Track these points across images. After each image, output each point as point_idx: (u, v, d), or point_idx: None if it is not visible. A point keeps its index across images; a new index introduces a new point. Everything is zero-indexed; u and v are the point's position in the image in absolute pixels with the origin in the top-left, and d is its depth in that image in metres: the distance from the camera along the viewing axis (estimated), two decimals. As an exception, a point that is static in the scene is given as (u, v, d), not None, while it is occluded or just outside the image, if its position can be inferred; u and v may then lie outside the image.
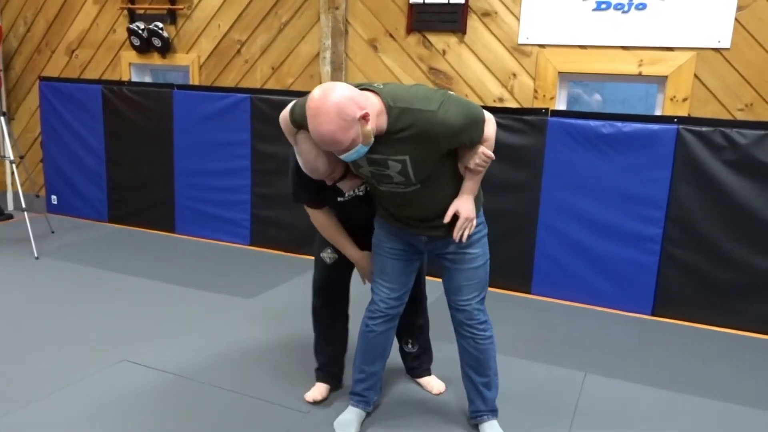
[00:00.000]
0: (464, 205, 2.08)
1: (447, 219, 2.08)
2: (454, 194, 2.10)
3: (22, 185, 5.55)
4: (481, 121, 2.04)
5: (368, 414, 2.39)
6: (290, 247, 4.42)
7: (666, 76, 3.54)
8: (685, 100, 3.52)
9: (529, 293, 3.83)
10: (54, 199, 5.40)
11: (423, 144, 1.93)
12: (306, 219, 2.41)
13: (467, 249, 2.18)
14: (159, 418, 2.31)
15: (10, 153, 4.19)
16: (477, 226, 2.17)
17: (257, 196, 4.52)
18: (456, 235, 2.08)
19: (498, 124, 3.68)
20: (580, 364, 2.90)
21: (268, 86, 4.53)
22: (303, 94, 2.08)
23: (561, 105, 3.85)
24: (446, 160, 2.04)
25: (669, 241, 3.48)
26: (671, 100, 3.54)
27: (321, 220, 2.32)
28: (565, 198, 3.67)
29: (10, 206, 5.60)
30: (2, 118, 4.20)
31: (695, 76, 3.48)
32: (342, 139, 1.83)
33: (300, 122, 2.05)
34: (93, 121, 5.02)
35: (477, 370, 2.27)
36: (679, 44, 3.48)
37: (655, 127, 3.43)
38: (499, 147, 3.71)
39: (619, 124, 3.49)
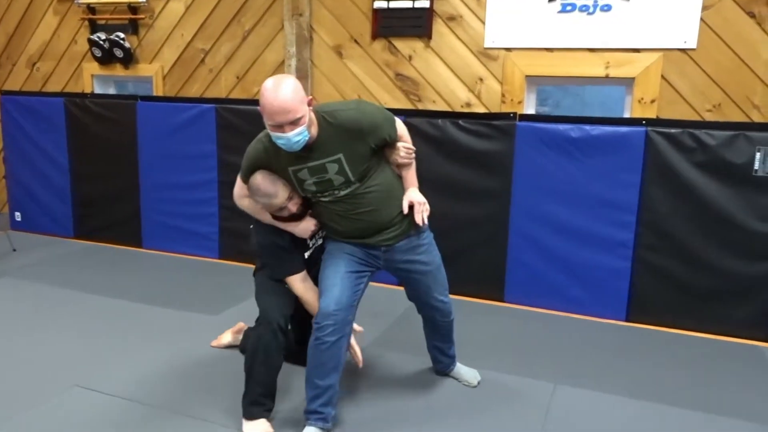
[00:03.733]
0: (414, 194, 2.36)
1: (405, 210, 2.32)
2: (395, 195, 2.33)
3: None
4: (394, 120, 2.34)
5: None
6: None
7: (633, 78, 3.49)
8: (653, 101, 3.47)
9: (502, 301, 3.76)
10: (18, 216, 5.25)
11: (351, 139, 2.18)
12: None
13: (420, 257, 2.44)
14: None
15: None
16: (423, 233, 2.45)
17: (225, 208, 4.41)
18: (417, 218, 2.30)
19: (466, 130, 3.66)
20: (551, 374, 2.83)
21: (233, 95, 4.44)
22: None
23: (529, 109, 3.79)
24: (376, 158, 2.27)
25: (642, 245, 3.42)
26: (639, 102, 3.49)
27: (301, 285, 2.38)
28: (536, 204, 3.60)
29: (-26, 224, 5.45)
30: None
31: (662, 77, 3.43)
32: (297, 108, 2.04)
33: (250, 168, 2.30)
34: (56, 135, 4.88)
35: (445, 339, 2.68)
36: (646, 45, 3.43)
37: (624, 129, 3.37)
38: (468, 153, 3.67)
39: (587, 127, 3.43)
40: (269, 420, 2.34)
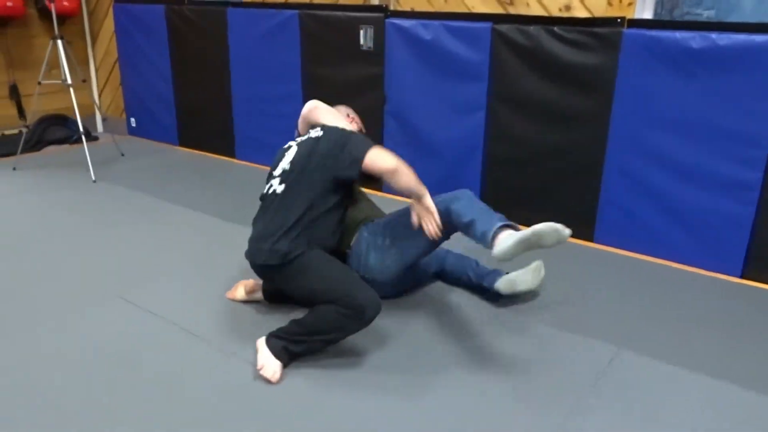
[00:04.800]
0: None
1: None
2: None
3: (105, 108, 5.74)
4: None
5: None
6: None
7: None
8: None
9: (591, 241, 3.28)
10: (133, 122, 5.51)
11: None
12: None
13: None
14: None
15: (68, 77, 4.22)
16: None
17: (309, 122, 4.26)
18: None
19: (561, 39, 3.09)
20: (622, 337, 2.40)
21: (317, 0, 4.14)
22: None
23: (645, 13, 3.09)
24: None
25: (771, 187, 2.75)
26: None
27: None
28: (639, 132, 3.01)
29: (100, 128, 5.83)
30: (60, 42, 4.21)
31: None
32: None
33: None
34: (160, 44, 4.95)
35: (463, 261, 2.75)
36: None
37: (763, 39, 2.63)
38: (562, 67, 3.12)
39: (713, 35, 2.73)
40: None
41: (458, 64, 3.47)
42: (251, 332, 2.35)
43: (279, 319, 2.37)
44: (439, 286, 2.79)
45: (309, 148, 2.31)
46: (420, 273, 2.72)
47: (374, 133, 3.92)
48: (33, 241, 3.22)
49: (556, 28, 3.11)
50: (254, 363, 2.17)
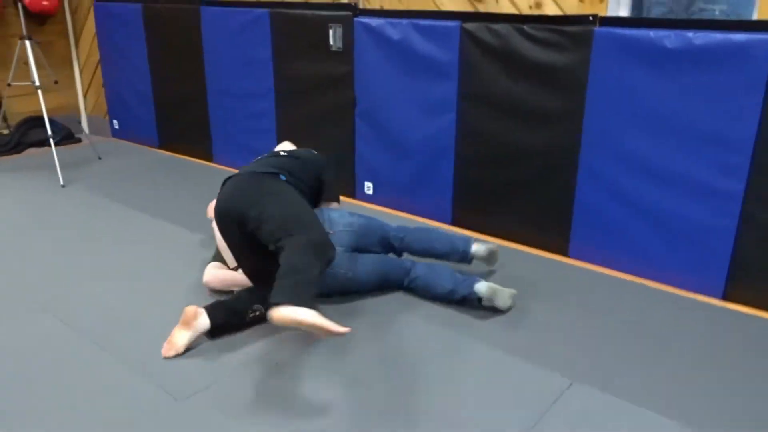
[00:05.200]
0: None
1: None
2: None
3: (89, 109, 5.64)
4: None
5: None
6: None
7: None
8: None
9: (566, 255, 3.06)
10: (116, 123, 5.40)
11: None
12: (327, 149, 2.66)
13: None
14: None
15: (36, 79, 4.11)
16: None
17: (282, 120, 4.10)
18: None
19: (532, 38, 2.88)
20: (578, 368, 2.18)
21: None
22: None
23: (622, 11, 2.85)
24: None
25: (754, 198, 2.50)
26: (777, -5, 2.44)
27: None
28: (613, 134, 2.78)
29: (86, 129, 5.73)
30: (27, 42, 4.10)
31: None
32: None
33: None
34: (138, 42, 4.83)
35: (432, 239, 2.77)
36: None
37: (741, 37, 2.39)
38: (531, 66, 2.91)
39: (689, 34, 2.49)
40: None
41: (427, 64, 3.27)
42: (160, 344, 2.19)
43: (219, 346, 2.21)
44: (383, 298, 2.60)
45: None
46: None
47: (345, 132, 3.74)
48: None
49: (525, 27, 2.89)
50: (163, 385, 2.01)
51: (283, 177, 2.42)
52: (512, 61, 2.97)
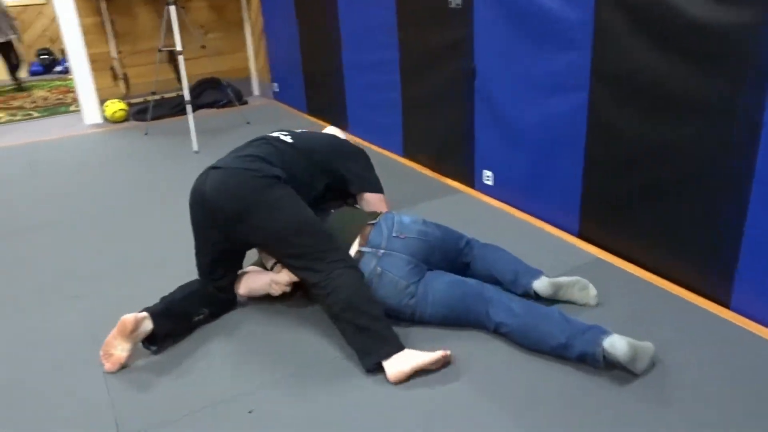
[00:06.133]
0: None
1: None
2: None
3: (258, 72, 5.67)
4: None
5: None
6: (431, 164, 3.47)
7: None
8: None
9: (727, 307, 2.09)
10: (276, 86, 5.34)
11: None
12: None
13: None
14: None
15: (178, 44, 4.10)
16: None
17: (406, 98, 3.56)
18: None
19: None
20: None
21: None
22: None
23: None
24: None
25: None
26: None
27: None
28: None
29: (256, 92, 5.80)
30: (172, 8, 4.08)
31: None
32: None
33: None
34: (289, 10, 4.63)
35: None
36: None
37: None
38: (699, 36, 1.92)
39: None
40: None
41: (551, 26, 2.46)
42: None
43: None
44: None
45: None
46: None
47: (461, 108, 3.09)
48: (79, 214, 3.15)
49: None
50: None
51: (280, 175, 2.05)
52: (671, 26, 2.04)
